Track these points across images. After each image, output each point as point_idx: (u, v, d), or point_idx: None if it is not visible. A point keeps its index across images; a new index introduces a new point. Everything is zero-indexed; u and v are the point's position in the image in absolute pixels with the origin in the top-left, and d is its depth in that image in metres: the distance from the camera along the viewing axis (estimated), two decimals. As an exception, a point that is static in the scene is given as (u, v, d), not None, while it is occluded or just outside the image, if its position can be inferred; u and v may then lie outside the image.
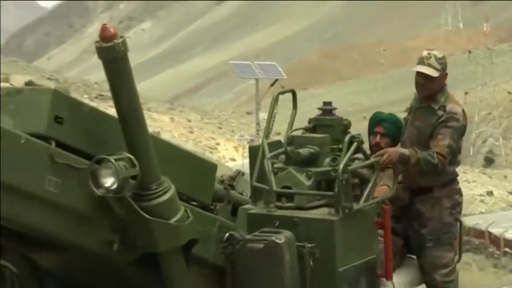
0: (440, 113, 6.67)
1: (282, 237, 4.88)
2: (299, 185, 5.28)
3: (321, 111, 6.07)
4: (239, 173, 6.44)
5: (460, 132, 6.78)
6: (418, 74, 6.70)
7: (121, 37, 3.97)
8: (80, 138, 4.14)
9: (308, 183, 5.27)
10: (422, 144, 6.52)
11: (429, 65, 6.63)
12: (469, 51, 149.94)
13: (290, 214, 5.18)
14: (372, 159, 5.92)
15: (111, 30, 3.92)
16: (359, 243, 5.35)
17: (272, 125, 6.06)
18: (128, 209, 4.19)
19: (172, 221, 4.41)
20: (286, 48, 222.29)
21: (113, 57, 3.93)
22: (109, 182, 4.04)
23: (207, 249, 4.92)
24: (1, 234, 4.28)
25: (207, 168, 5.19)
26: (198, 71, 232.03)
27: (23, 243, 4.38)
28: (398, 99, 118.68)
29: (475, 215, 44.09)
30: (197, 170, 4.98)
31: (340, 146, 5.70)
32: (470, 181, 70.69)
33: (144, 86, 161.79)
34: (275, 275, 4.90)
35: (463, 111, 6.90)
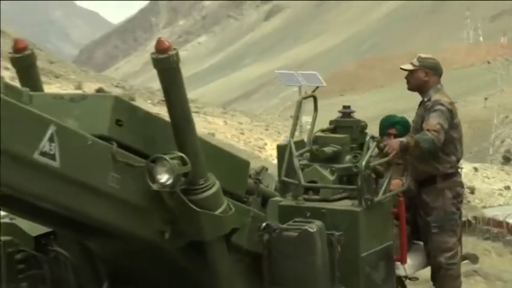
0: (429, 104, 6.75)
1: (314, 226, 4.84)
2: (324, 180, 5.35)
3: (341, 114, 6.17)
4: (263, 169, 6.35)
5: (446, 115, 6.65)
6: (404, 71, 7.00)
7: (174, 49, 4.01)
8: (136, 139, 4.19)
9: (332, 178, 5.35)
10: (418, 133, 6.58)
11: (410, 63, 6.86)
12: (488, 62, 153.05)
13: (318, 206, 5.20)
14: (388, 157, 5.90)
15: (166, 43, 3.98)
16: (378, 231, 5.39)
17: (296, 126, 6.11)
18: (179, 202, 4.18)
19: (217, 212, 4.38)
20: (326, 59, 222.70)
21: (167, 67, 4.01)
22: (164, 178, 4.02)
23: (242, 237, 4.88)
24: (62, 223, 4.27)
25: (241, 164, 5.22)
26: (248, 79, 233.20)
27: (80, 231, 4.35)
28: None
29: (494, 207, 50.30)
30: (233, 166, 5.02)
31: (357, 145, 5.84)
32: (490, 177, 74.00)
33: (200, 93, 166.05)
34: (308, 260, 4.85)
35: (451, 103, 6.95)
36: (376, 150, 5.93)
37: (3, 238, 4.60)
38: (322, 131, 6.08)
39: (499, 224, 44.85)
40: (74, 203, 3.79)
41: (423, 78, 6.84)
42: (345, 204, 5.20)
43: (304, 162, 5.52)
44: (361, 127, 6.07)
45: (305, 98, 6.62)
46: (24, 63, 4.36)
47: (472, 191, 62.84)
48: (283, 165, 5.48)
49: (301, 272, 4.86)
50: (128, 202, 4.01)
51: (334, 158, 5.53)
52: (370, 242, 5.18)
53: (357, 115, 6.64)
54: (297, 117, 6.30)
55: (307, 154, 5.64)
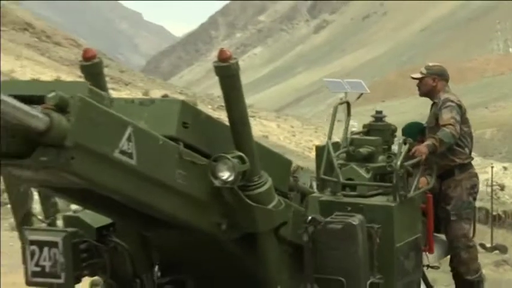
0: (439, 103, 6.94)
1: (356, 219, 4.88)
2: (360, 178, 5.45)
3: (373, 119, 6.30)
4: (298, 168, 6.43)
5: (457, 109, 6.82)
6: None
7: (234, 58, 4.05)
8: (200, 140, 4.24)
9: (367, 176, 5.46)
10: (433, 132, 6.76)
11: (419, 72, 7.11)
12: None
13: (356, 201, 5.25)
14: (416, 158, 5.98)
15: (228, 52, 4.01)
16: (409, 224, 5.50)
17: (333, 128, 6.15)
18: (236, 197, 4.21)
19: (269, 206, 4.40)
20: (370, 68, 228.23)
21: (228, 74, 4.04)
22: (226, 175, 4.03)
23: (287, 230, 4.80)
24: (129, 215, 4.32)
25: (284, 162, 5.23)
26: (299, 87, 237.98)
27: (144, 223, 4.39)
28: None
29: None
30: (277, 164, 5.02)
31: (388, 146, 6.03)
32: None
33: (256, 99, 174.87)
34: (351, 251, 4.88)
35: (459, 101, 7.05)
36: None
37: (69, 229, 4.60)
38: (357, 133, 6.33)
39: None
40: (145, 197, 3.86)
41: (431, 84, 7.04)
42: (380, 200, 5.32)
43: (341, 161, 5.64)
44: (392, 130, 6.25)
45: (340, 103, 6.87)
46: (93, 70, 4.45)
47: (502, 188, 64.54)
48: (322, 164, 5.57)
49: (344, 261, 4.88)
50: (191, 196, 4.06)
51: (369, 158, 5.68)
52: (403, 234, 5.29)
53: (397, 119, 6.88)
54: (333, 121, 6.29)
55: (343, 154, 5.77)
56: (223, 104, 4.36)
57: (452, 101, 6.80)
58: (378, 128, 6.13)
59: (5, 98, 2.86)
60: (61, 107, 3.15)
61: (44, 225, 5.13)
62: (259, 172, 4.40)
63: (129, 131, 3.53)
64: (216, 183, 4.03)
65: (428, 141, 6.39)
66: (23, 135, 3.26)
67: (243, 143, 4.21)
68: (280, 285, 4.62)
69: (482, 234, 34.45)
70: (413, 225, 5.52)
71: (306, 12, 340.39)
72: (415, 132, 6.87)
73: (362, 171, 5.43)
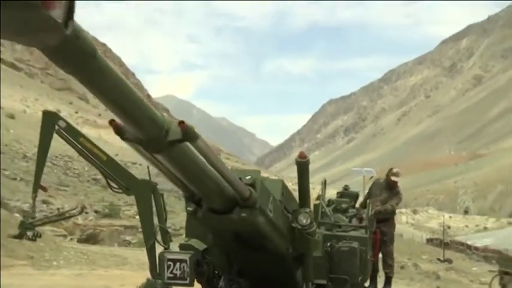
0: (395, 190, 9.88)
1: (356, 244, 5.95)
2: (343, 221, 6.77)
3: (344, 189, 8.28)
4: None
5: (401, 195, 10.07)
6: (393, 180, 9.87)
7: (307, 157, 4.89)
8: (286, 201, 4.98)
9: (346, 220, 6.88)
10: (383, 200, 9.59)
11: (398, 176, 9.90)
12: None
13: (344, 234, 6.23)
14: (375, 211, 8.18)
15: (305, 153, 4.87)
16: (370, 246, 6.69)
17: (325, 196, 7.40)
18: (300, 233, 4.83)
19: (316, 238, 5.11)
20: (376, 162, 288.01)
21: (303, 166, 4.82)
22: (305, 221, 4.76)
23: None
24: (240, 244, 4.83)
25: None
26: (336, 172, 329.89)
27: (244, 247, 4.89)
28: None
29: (460, 236, 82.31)
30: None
31: (352, 205, 7.76)
32: (456, 220, 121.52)
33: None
34: (353, 262, 5.90)
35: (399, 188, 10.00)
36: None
37: (191, 252, 5.28)
38: (337, 196, 8.05)
39: (461, 243, 61.52)
40: (270, 234, 4.59)
41: (397, 181, 9.92)
42: (358, 233, 6.35)
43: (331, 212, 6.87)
44: (355, 195, 8.18)
45: (324, 183, 8.12)
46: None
47: (449, 227, 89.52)
48: (318, 214, 6.48)
49: (348, 267, 5.87)
50: (281, 232, 4.70)
51: (345, 210, 7.23)
52: (368, 251, 6.38)
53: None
54: (324, 190, 7.49)
55: (330, 208, 7.08)
56: (296, 181, 5.05)
57: (401, 192, 9.99)
58: (348, 194, 8.05)
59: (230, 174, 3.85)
60: (252, 185, 4.14)
61: (174, 247, 6.25)
62: (314, 220, 5.19)
63: (271, 198, 4.47)
64: (297, 225, 4.83)
65: (386, 206, 9.41)
66: (226, 199, 4.12)
67: (306, 204, 5.00)
68: (311, 282, 5.42)
69: (438, 253, 46.38)
70: (371, 246, 6.89)
71: (342, 132, 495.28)
72: (354, 196, 8.17)
73: (343, 217, 6.90)
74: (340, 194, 7.93)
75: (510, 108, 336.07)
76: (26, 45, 2.14)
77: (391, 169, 9.87)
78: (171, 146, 3.20)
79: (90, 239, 23.11)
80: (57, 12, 1.79)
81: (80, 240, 22.73)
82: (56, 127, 7.01)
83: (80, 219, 27.57)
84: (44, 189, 7.66)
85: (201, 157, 3.58)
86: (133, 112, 2.80)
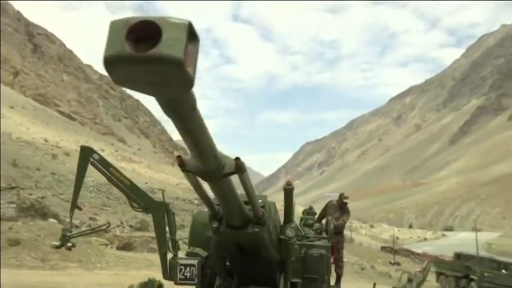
0: (346, 209, 9.61)
1: (324, 251, 5.78)
2: (311, 233, 6.68)
3: (309, 208, 7.94)
4: None
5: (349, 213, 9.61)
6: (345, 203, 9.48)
7: (292, 185, 4.55)
8: (275, 219, 4.56)
9: (313, 233, 6.83)
10: (336, 217, 9.10)
11: (347, 198, 9.52)
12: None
13: (312, 244, 5.95)
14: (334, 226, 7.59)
15: (291, 181, 4.58)
16: (330, 252, 6.07)
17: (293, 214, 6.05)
18: (285, 243, 4.60)
19: (296, 247, 4.93)
20: (345, 188, 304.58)
21: (290, 192, 4.48)
22: (291, 234, 4.55)
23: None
24: (238, 252, 4.62)
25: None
26: (312, 196, 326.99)
27: (240, 254, 4.69)
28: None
29: (406, 245, 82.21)
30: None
31: (316, 221, 7.65)
32: (404, 232, 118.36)
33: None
34: (323, 265, 5.70)
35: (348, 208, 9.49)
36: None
37: (198, 258, 5.21)
38: (303, 213, 7.65)
39: (407, 250, 62.61)
40: (269, 246, 4.41)
41: (347, 202, 9.58)
42: (322, 242, 6.07)
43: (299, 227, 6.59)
44: (317, 214, 8.01)
45: (305, 211, 7.97)
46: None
47: (398, 238, 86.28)
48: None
49: (319, 269, 5.67)
50: (274, 242, 4.47)
51: (312, 225, 7.17)
52: (329, 257, 6.01)
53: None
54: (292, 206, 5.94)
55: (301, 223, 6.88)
56: (282, 203, 4.72)
57: (349, 210, 9.57)
58: (311, 212, 7.85)
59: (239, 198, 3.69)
60: (263, 207, 3.96)
61: (181, 255, 6.11)
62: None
63: (272, 217, 4.31)
64: (285, 237, 4.58)
65: (340, 222, 9.08)
66: (244, 217, 3.98)
67: (290, 220, 4.75)
68: (290, 277, 5.16)
69: (389, 257, 45.92)
70: (331, 252, 6.26)
71: (317, 166, 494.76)
72: (315, 214, 7.94)
73: (311, 231, 6.83)
74: (306, 212, 7.80)
75: (442, 148, 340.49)
76: (154, 95, 2.02)
77: (342, 194, 9.80)
78: (225, 177, 3.20)
79: (126, 246, 23.08)
80: (191, 69, 1.73)
81: (118, 248, 22.77)
82: (91, 159, 7.04)
83: (118, 232, 27.76)
84: (80, 208, 7.66)
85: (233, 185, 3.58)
86: (205, 150, 2.78)
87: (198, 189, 3.63)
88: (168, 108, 2.18)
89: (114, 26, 1.69)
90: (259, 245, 4.47)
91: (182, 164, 3.17)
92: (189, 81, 1.78)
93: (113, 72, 1.70)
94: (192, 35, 1.71)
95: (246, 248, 4.61)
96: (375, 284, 6.63)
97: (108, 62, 1.65)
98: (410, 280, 7.51)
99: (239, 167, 3.17)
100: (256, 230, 4.12)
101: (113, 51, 1.64)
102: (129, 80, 1.76)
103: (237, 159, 3.20)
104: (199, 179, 3.41)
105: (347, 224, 9.26)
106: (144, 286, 6.44)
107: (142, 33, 1.64)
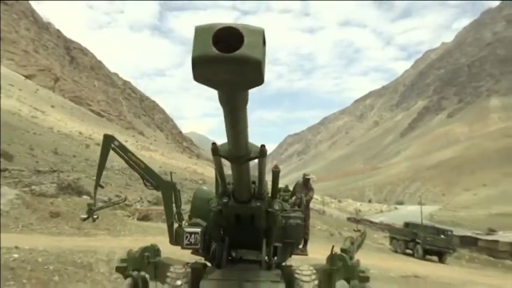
0: (310, 185, 8.47)
1: (300, 220, 5.42)
2: (287, 207, 5.97)
3: (284, 186, 7.46)
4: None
5: (313, 190, 8.65)
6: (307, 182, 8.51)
7: (278, 168, 4.09)
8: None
9: (289, 206, 6.22)
10: (304, 192, 8.04)
11: (311, 176, 8.47)
12: None
13: (289, 215, 5.44)
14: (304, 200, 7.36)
15: (277, 164, 4.08)
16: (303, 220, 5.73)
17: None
18: (271, 213, 4.37)
19: (280, 217, 4.72)
20: (318, 171, 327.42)
21: (276, 174, 4.07)
22: (277, 207, 4.30)
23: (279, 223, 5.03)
24: (235, 223, 4.42)
25: None
26: (289, 177, 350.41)
27: (236, 223, 4.50)
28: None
29: (367, 215, 76.25)
30: None
31: (292, 196, 7.51)
32: (364, 205, 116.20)
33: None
34: (298, 231, 5.41)
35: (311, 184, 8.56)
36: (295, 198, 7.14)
37: (201, 227, 4.89)
38: (279, 191, 6.77)
39: (367, 220, 58.39)
40: (262, 215, 4.26)
41: (310, 180, 8.67)
42: (297, 214, 5.61)
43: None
44: (290, 191, 7.52)
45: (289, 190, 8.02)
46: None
47: (360, 210, 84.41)
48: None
49: (296, 235, 5.39)
50: (264, 214, 4.25)
51: (287, 200, 6.77)
52: (302, 224, 5.53)
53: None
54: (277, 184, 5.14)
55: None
56: (270, 183, 4.30)
57: (313, 187, 8.48)
58: (287, 190, 7.75)
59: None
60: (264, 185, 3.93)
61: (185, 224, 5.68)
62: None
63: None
64: (272, 210, 4.31)
65: (307, 197, 7.96)
66: (249, 193, 3.85)
67: (276, 196, 4.43)
68: (273, 242, 4.96)
69: (354, 226, 42.28)
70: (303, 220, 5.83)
71: (296, 154, 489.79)
72: (289, 191, 7.45)
73: (287, 205, 6.19)
74: (283, 190, 7.58)
75: (394, 140, 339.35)
76: (226, 90, 1.91)
77: (304, 173, 9.22)
78: (250, 160, 3.14)
79: (144, 218, 22.79)
80: (263, 69, 1.65)
81: (138, 219, 22.54)
82: (112, 145, 6.85)
83: (138, 206, 27.45)
84: (102, 187, 7.48)
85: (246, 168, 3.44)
86: (243, 139, 2.72)
87: (221, 170, 3.54)
88: (229, 101, 2.07)
89: (200, 30, 1.59)
90: (256, 216, 4.36)
91: (215, 150, 3.09)
92: (261, 79, 1.70)
93: (199, 70, 1.59)
94: (264, 40, 1.65)
95: (243, 219, 4.48)
96: (333, 247, 6.67)
97: (196, 61, 1.56)
98: (352, 243, 7.55)
99: (263, 152, 3.10)
100: (258, 204, 4.04)
101: (202, 52, 1.55)
102: (210, 77, 1.66)
103: (263, 146, 3.12)
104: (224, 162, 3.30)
105: (320, 200, 9.13)
106: (145, 250, 6.02)
107: (225, 38, 1.56)
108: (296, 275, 4.78)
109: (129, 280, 5.79)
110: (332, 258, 5.90)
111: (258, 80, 1.68)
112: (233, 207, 4.13)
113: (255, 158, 3.11)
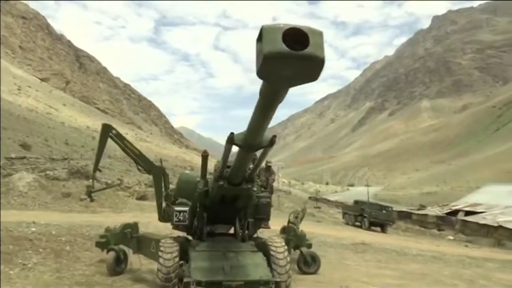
0: (272, 170, 6.35)
1: (269, 199, 5.07)
2: (258, 187, 5.16)
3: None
4: None
5: (274, 174, 6.68)
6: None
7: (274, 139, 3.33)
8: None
9: (258, 187, 5.26)
10: (266, 176, 5.90)
11: (270, 163, 6.16)
12: None
13: (260, 195, 5.06)
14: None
15: (274, 137, 3.26)
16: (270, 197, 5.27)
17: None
18: (250, 194, 4.17)
19: (255, 195, 4.48)
20: (288, 160, 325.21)
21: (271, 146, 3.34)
22: (255, 189, 3.99)
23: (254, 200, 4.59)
24: (217, 204, 4.10)
25: None
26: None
27: (220, 204, 4.22)
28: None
29: (326, 195, 73.17)
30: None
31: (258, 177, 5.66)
32: (323, 187, 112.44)
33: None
34: (268, 207, 5.14)
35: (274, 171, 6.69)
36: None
37: (187, 206, 4.64)
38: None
39: (325, 199, 57.48)
40: (245, 196, 3.99)
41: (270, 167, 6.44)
42: (265, 193, 5.22)
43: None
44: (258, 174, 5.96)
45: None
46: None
47: (319, 191, 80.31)
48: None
49: (266, 212, 5.08)
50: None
51: (255, 180, 5.02)
52: (271, 202, 5.27)
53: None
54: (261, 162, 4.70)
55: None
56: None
57: (274, 172, 6.82)
58: (258, 173, 5.74)
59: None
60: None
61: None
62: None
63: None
64: (252, 191, 4.11)
65: (270, 180, 6.19)
66: (242, 177, 3.57)
67: (254, 175, 4.01)
68: (246, 219, 4.66)
69: (314, 203, 42.99)
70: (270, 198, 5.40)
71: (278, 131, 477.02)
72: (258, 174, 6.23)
73: (256, 185, 5.09)
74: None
75: (347, 134, 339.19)
76: (286, 85, 1.72)
77: (267, 161, 8.11)
78: (260, 148, 3.01)
79: (142, 197, 22.17)
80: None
81: (136, 198, 21.99)
82: (110, 134, 6.52)
83: (137, 188, 26.36)
84: (100, 170, 7.08)
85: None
86: (265, 128, 2.59)
87: (228, 155, 3.37)
88: (274, 95, 1.90)
89: (268, 29, 1.45)
90: (242, 196, 4.17)
91: (232, 140, 2.93)
92: (318, 76, 1.56)
93: (269, 65, 1.46)
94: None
95: (227, 198, 4.29)
96: (289, 220, 6.48)
97: (268, 57, 1.43)
98: (296, 217, 7.52)
99: (272, 142, 2.99)
100: (249, 186, 3.90)
101: (274, 49, 1.42)
102: (276, 72, 1.51)
103: (274, 136, 3.00)
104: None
105: (287, 182, 8.61)
106: (126, 226, 5.97)
107: (291, 37, 1.45)
108: (270, 245, 4.68)
109: (112, 253, 5.58)
110: (285, 229, 5.96)
111: (316, 76, 1.55)
112: (225, 188, 3.93)
113: (265, 147, 2.99)
